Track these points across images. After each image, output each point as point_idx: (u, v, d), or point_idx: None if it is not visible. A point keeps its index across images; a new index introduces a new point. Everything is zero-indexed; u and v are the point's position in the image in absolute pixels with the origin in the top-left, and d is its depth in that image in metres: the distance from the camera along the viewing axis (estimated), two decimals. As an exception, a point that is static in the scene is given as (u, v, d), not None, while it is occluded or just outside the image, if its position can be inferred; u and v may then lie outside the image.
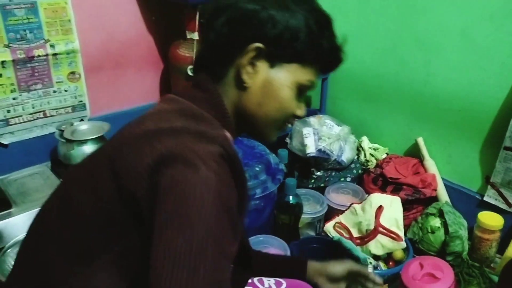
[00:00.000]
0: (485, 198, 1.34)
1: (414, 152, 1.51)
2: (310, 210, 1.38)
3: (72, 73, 1.72)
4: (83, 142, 1.53)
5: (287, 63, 0.70)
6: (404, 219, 1.30)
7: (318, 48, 0.71)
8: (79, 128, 1.61)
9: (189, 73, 1.71)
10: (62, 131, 1.57)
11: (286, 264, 1.01)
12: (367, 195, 1.36)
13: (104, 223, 0.59)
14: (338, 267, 0.97)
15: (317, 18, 0.70)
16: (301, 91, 0.73)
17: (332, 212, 1.39)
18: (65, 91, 1.72)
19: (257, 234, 1.25)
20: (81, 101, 1.76)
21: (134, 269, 0.59)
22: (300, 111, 0.75)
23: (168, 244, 0.51)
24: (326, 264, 0.98)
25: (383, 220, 1.23)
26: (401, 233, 1.22)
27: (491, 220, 1.26)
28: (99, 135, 1.55)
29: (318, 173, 1.53)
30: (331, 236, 1.26)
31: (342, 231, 1.29)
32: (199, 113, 0.66)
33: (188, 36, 1.75)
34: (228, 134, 0.69)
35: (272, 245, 1.22)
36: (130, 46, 1.86)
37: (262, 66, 0.69)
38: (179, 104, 0.68)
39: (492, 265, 1.29)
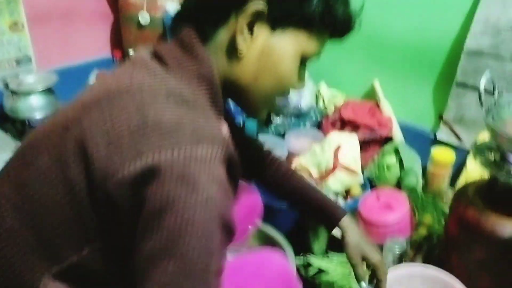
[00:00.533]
0: (438, 135, 1.39)
1: (371, 95, 1.53)
2: (271, 155, 1.38)
3: (15, 23, 1.61)
4: (30, 93, 1.45)
5: (292, 29, 0.59)
6: (362, 158, 1.33)
7: (331, 14, 0.60)
8: (26, 80, 1.52)
9: (141, 21, 1.64)
10: (7, 83, 1.48)
11: (325, 208, 0.88)
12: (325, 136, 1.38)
13: (66, 223, 0.51)
14: (375, 256, 0.84)
15: None
16: (304, 62, 0.63)
17: (293, 156, 1.40)
18: (8, 43, 1.61)
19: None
20: (26, 54, 1.66)
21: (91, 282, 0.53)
22: (300, 84, 0.66)
23: (162, 275, 0.46)
24: (365, 245, 0.85)
25: (341, 157, 1.25)
26: (358, 168, 1.25)
27: (443, 155, 1.31)
28: (47, 87, 1.47)
29: (278, 120, 1.53)
30: (291, 177, 1.28)
31: (303, 172, 1.30)
32: (190, 97, 0.55)
33: (139, -17, 1.67)
34: (222, 125, 0.58)
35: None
36: (78, -4, 1.77)
37: (262, 30, 0.58)
38: (163, 78, 0.55)
39: (444, 197, 1.35)
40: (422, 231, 1.19)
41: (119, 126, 0.50)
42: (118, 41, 1.89)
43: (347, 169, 1.24)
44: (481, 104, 0.94)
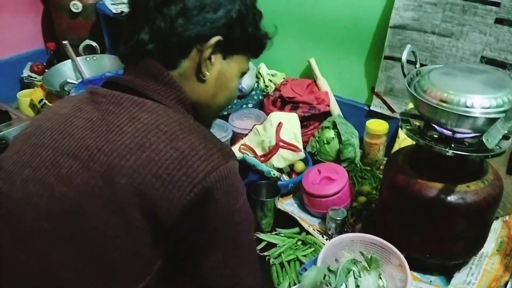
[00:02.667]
0: (371, 108, 1.47)
1: (309, 73, 1.58)
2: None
3: None
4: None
5: (236, 55, 0.73)
6: (303, 135, 1.38)
7: (259, 39, 0.76)
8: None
9: (72, 9, 1.59)
10: None
11: None
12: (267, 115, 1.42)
13: (126, 260, 0.60)
14: None
15: (257, 11, 0.75)
16: (241, 77, 0.78)
17: (237, 137, 1.44)
18: None
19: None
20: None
21: None
22: None
23: (234, 276, 0.65)
24: None
25: (283, 135, 1.30)
26: (299, 144, 1.30)
27: (377, 126, 1.39)
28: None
29: (220, 102, 1.55)
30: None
31: (247, 152, 1.34)
32: (189, 121, 0.65)
33: (67, -31, 1.61)
34: None
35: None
36: (2, -15, 1.67)
37: (217, 58, 0.71)
38: (163, 111, 0.63)
39: (381, 167, 1.44)
40: (362, 199, 1.27)
41: (164, 163, 0.58)
42: (50, 32, 1.82)
43: (289, 146, 1.29)
44: (404, 75, 1.01)
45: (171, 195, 0.57)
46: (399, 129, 1.40)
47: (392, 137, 1.43)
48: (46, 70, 1.60)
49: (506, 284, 1.02)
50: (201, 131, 0.63)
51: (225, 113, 1.54)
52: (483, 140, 0.78)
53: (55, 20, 1.73)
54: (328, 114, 1.49)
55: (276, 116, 1.34)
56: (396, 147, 1.39)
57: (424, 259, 1.03)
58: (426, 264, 1.06)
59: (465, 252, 1.03)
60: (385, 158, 1.44)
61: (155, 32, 0.67)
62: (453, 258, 1.03)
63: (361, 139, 1.44)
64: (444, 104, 0.89)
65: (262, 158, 1.31)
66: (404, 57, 1.00)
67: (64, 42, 1.54)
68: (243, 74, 0.77)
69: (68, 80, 1.34)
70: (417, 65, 1.04)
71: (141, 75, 0.68)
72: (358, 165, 1.40)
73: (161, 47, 0.67)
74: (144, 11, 0.68)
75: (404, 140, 1.37)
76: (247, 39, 0.73)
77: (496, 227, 1.18)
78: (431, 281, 1.04)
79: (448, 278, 1.05)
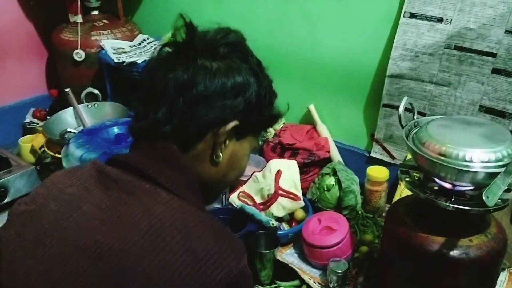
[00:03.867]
0: (372, 154, 1.46)
1: (308, 119, 1.59)
2: (214, 184, 1.40)
3: None
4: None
5: (249, 136, 0.74)
6: (302, 181, 1.37)
7: (273, 119, 0.77)
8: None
9: (76, 58, 1.62)
10: None
11: None
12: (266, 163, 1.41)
13: None
14: None
15: (273, 92, 0.75)
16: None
17: (237, 185, 1.42)
18: None
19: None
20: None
21: None
22: None
23: None
24: None
25: (282, 183, 1.29)
26: (299, 193, 1.29)
27: (378, 173, 1.38)
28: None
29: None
30: (235, 206, 1.29)
31: (246, 200, 1.33)
32: (205, 214, 0.64)
33: (71, 20, 1.67)
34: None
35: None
36: (7, 34, 1.72)
37: (231, 140, 0.71)
38: (177, 205, 0.61)
39: (383, 214, 1.42)
40: (364, 249, 1.24)
41: (177, 269, 0.54)
42: (54, 79, 1.85)
43: (289, 194, 1.28)
44: (402, 126, 1.00)
45: None
46: (400, 180, 1.38)
47: (393, 183, 1.41)
48: (48, 117, 1.62)
49: None
50: (215, 227, 0.61)
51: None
52: (483, 197, 0.76)
53: (58, 67, 1.77)
54: (328, 160, 1.49)
55: (275, 163, 1.33)
56: (397, 194, 1.38)
57: (428, 316, 0.99)
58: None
59: (471, 308, 0.99)
60: (387, 205, 1.42)
61: (174, 114, 0.65)
62: (458, 315, 0.99)
63: (361, 186, 1.42)
64: (443, 158, 0.88)
65: (261, 206, 1.30)
66: (401, 108, 1.00)
67: (67, 89, 1.57)
68: (253, 150, 0.78)
69: (68, 129, 1.35)
70: (415, 116, 1.04)
71: (154, 157, 0.66)
72: (360, 213, 1.38)
73: (178, 129, 0.66)
74: (164, 90, 0.66)
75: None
76: (263, 121, 0.74)
77: (502, 279, 1.14)
78: None
79: (455, 335, 1.00)
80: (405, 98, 1.01)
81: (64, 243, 0.59)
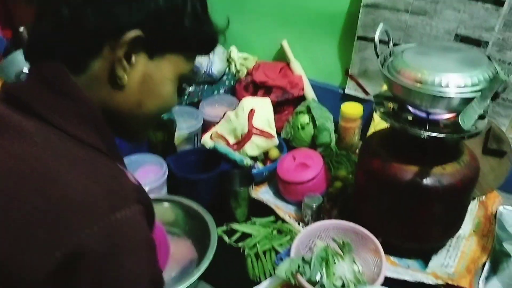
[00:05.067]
0: (346, 91, 1.43)
1: (281, 56, 1.53)
2: (186, 126, 1.35)
3: None
4: None
5: (169, 54, 0.59)
6: (277, 121, 1.34)
7: (203, 35, 0.62)
8: None
9: (29, -7, 1.49)
10: None
11: None
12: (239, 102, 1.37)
13: None
14: None
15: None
16: (181, 82, 0.64)
17: (208, 125, 1.38)
18: None
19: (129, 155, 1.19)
20: None
21: None
22: (177, 101, 0.66)
23: None
24: None
25: (255, 122, 1.25)
26: (273, 131, 1.26)
27: (352, 109, 1.36)
28: None
29: (190, 88, 1.49)
30: (208, 146, 1.26)
31: (219, 140, 1.29)
32: (82, 152, 0.51)
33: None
34: (127, 173, 0.55)
35: (147, 163, 1.18)
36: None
37: (140, 58, 0.57)
38: (45, 141, 0.49)
39: (356, 150, 1.41)
40: (338, 184, 1.24)
41: (22, 220, 0.44)
42: (6, 19, 1.71)
43: (263, 133, 1.25)
44: (377, 55, 0.97)
45: (21, 260, 0.43)
46: (374, 112, 1.37)
47: (367, 120, 1.40)
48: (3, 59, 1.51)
49: (483, 265, 1.01)
50: (89, 166, 0.50)
51: (196, 100, 1.48)
52: (459, 121, 0.75)
53: (10, 6, 1.63)
54: (302, 98, 1.45)
55: (248, 102, 1.29)
56: (371, 130, 1.37)
57: (401, 244, 1.01)
58: (403, 248, 1.03)
59: (442, 235, 1.02)
60: (361, 142, 1.41)
61: (59, 25, 0.53)
62: (430, 241, 1.01)
63: (336, 123, 1.40)
64: (418, 85, 0.86)
65: (235, 146, 1.27)
66: (376, 36, 0.96)
67: (20, 29, 1.45)
68: (183, 77, 0.63)
69: (25, 70, 1.27)
70: (391, 45, 1.00)
71: (37, 82, 0.53)
72: (334, 150, 1.37)
73: (65, 43, 0.54)
74: None
75: (379, 123, 1.35)
76: (184, 35, 0.59)
77: (473, 208, 1.17)
78: (408, 266, 1.03)
79: (426, 261, 1.03)
80: (381, 24, 0.97)
81: None
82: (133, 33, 0.54)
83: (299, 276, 0.90)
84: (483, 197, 1.20)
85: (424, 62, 0.88)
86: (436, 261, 1.02)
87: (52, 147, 0.50)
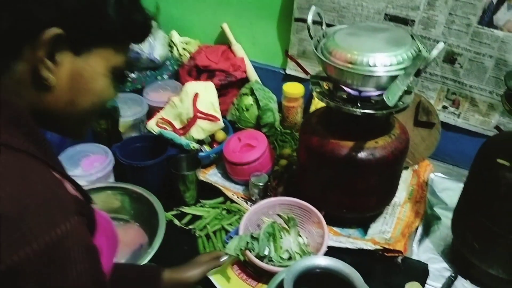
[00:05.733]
0: (287, 71, 1.48)
1: (223, 39, 1.55)
2: (130, 113, 1.35)
3: None
4: None
5: (96, 48, 0.56)
6: (222, 103, 1.36)
7: (131, 24, 0.58)
8: None
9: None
10: None
11: (139, 275, 0.87)
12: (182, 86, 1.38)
13: None
14: (194, 272, 0.90)
15: None
16: (116, 73, 0.60)
17: (153, 111, 1.38)
18: None
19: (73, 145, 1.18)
20: None
21: None
22: (115, 94, 0.63)
23: None
24: (179, 271, 0.89)
25: (200, 106, 1.27)
26: (218, 114, 1.29)
27: (293, 89, 1.40)
28: None
29: (133, 75, 1.47)
30: (154, 133, 1.27)
31: (165, 126, 1.30)
32: (11, 160, 0.47)
33: None
34: (63, 181, 0.52)
35: (93, 152, 1.17)
36: None
37: (65, 56, 0.53)
38: None
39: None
40: (283, 162, 1.29)
41: None
42: None
43: (208, 116, 1.27)
44: (311, 37, 1.01)
45: None
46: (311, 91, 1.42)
47: (308, 99, 1.45)
48: None
49: (417, 229, 1.10)
50: (23, 178, 0.46)
51: (139, 86, 1.47)
52: (384, 98, 0.81)
53: None
54: (245, 80, 1.48)
55: (192, 86, 1.30)
56: (312, 109, 1.42)
57: (342, 215, 1.08)
58: (344, 219, 1.11)
59: (379, 203, 1.09)
60: (303, 120, 1.46)
61: None
62: (368, 210, 1.09)
63: (279, 103, 1.45)
64: (349, 65, 0.91)
65: (181, 131, 1.28)
66: (309, 19, 1.00)
67: None
68: (116, 69, 0.59)
69: None
70: (323, 27, 1.05)
71: None
72: (279, 129, 1.42)
73: None
74: None
75: (319, 101, 1.40)
76: (110, 27, 0.56)
77: (407, 176, 1.26)
78: (349, 234, 1.10)
79: (365, 229, 1.11)
80: (313, 7, 1.01)
81: None
82: (51, 32, 0.50)
83: (247, 252, 0.94)
84: (416, 166, 1.29)
85: (354, 43, 0.93)
86: (374, 228, 1.11)
87: None
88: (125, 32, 0.58)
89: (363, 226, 1.12)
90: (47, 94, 0.54)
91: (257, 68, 1.51)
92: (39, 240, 0.43)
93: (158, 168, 1.15)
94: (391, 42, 0.93)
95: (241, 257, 0.93)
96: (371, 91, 0.95)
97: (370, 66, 0.89)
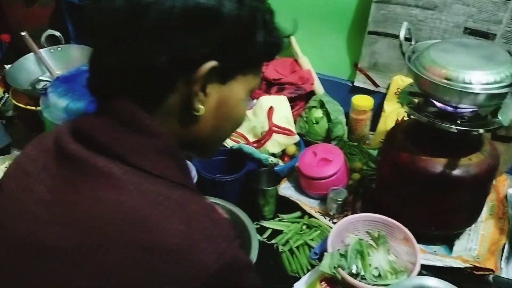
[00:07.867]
0: (355, 83, 1.47)
1: (289, 52, 1.55)
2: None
3: None
4: None
5: (241, 75, 0.56)
6: (291, 117, 1.36)
7: (273, 45, 0.58)
8: None
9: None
10: None
11: None
12: (255, 100, 1.38)
13: None
14: None
15: (266, 9, 0.56)
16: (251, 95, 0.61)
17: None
18: None
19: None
20: None
21: None
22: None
23: None
24: None
25: (275, 120, 1.28)
26: (293, 128, 1.29)
27: (363, 102, 1.40)
28: None
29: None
30: (229, 146, 1.27)
31: (239, 139, 1.31)
32: (170, 192, 0.49)
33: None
34: (217, 207, 0.53)
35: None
36: None
37: (214, 86, 0.54)
38: (136, 186, 0.48)
39: (367, 141, 1.46)
40: (356, 176, 1.28)
41: (119, 275, 0.44)
42: (2, 23, 1.65)
43: (283, 130, 1.27)
44: (403, 54, 1.01)
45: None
46: (384, 103, 1.41)
47: (376, 111, 1.44)
48: (6, 66, 1.46)
49: (504, 246, 1.08)
50: (183, 210, 0.48)
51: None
52: (498, 119, 0.80)
53: (6, 9, 1.58)
54: (312, 93, 1.48)
55: (266, 100, 1.31)
56: (382, 122, 1.41)
57: (429, 232, 1.06)
58: (429, 236, 1.09)
59: (468, 220, 1.08)
60: (371, 133, 1.46)
61: (123, 60, 0.50)
62: (457, 228, 1.07)
63: (346, 115, 1.44)
64: (447, 81, 0.90)
65: (255, 145, 1.29)
66: (402, 35, 1.00)
67: (23, 33, 1.41)
68: (253, 91, 0.60)
69: (41, 78, 1.23)
70: (413, 42, 1.04)
71: (110, 120, 0.51)
72: (347, 142, 1.41)
73: (133, 80, 0.51)
74: (105, 26, 0.51)
75: (390, 114, 1.39)
76: (257, 52, 0.55)
77: (485, 191, 1.23)
78: (435, 251, 1.08)
79: (450, 246, 1.09)
80: (405, 23, 1.01)
81: (7, 237, 0.50)
82: (208, 65, 0.51)
83: (340, 269, 0.94)
84: (494, 181, 1.27)
85: (450, 59, 0.92)
86: (459, 245, 1.09)
87: (145, 194, 0.48)
88: (267, 54, 0.59)
89: (448, 243, 1.10)
90: (193, 124, 0.56)
91: (323, 80, 1.51)
92: (209, 270, 0.45)
93: (238, 182, 1.16)
94: (489, 59, 0.92)
95: (338, 276, 0.93)
96: (467, 108, 0.94)
97: (467, 83, 0.88)
